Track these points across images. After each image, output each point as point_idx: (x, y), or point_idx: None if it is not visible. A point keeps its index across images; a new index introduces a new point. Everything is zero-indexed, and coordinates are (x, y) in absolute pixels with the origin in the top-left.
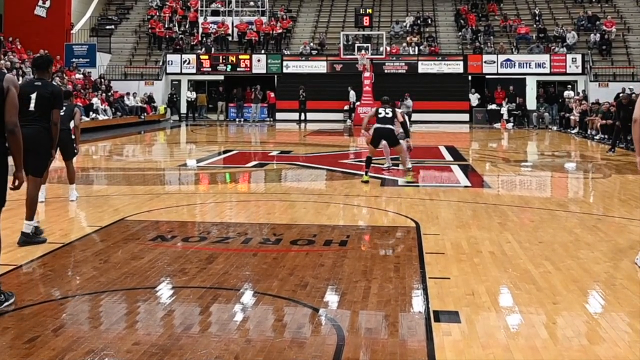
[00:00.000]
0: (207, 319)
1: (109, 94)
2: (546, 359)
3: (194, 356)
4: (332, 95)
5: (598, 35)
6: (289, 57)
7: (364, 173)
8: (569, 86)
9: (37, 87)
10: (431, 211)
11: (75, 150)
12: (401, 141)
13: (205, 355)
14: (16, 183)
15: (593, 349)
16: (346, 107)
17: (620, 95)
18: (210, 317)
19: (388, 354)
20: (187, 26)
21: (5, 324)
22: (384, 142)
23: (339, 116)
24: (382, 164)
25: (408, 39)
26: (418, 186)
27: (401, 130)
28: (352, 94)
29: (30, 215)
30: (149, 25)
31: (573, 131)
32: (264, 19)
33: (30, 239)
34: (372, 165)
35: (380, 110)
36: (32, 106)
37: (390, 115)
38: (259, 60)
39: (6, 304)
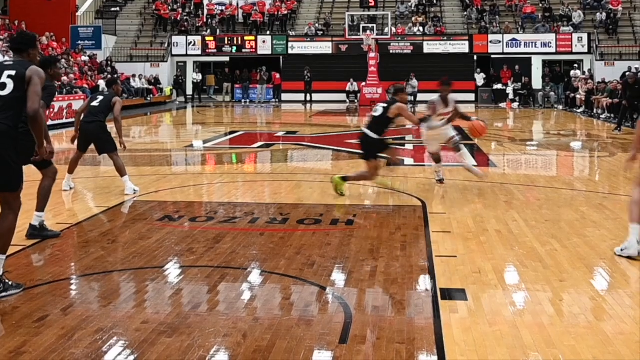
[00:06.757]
0: (215, 297)
1: (115, 76)
2: (553, 336)
3: (202, 334)
4: (338, 76)
5: (604, 14)
6: (294, 38)
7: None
8: (575, 65)
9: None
10: (437, 190)
11: (122, 146)
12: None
13: (214, 334)
14: (45, 155)
15: (599, 325)
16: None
17: (627, 74)
18: (218, 295)
19: (395, 331)
20: (192, 8)
21: (15, 304)
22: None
23: (345, 97)
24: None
25: (413, 19)
26: (424, 165)
27: (453, 133)
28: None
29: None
30: (154, 7)
31: (579, 110)
32: (269, 0)
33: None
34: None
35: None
36: None
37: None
38: (264, 42)
39: (4, 294)
